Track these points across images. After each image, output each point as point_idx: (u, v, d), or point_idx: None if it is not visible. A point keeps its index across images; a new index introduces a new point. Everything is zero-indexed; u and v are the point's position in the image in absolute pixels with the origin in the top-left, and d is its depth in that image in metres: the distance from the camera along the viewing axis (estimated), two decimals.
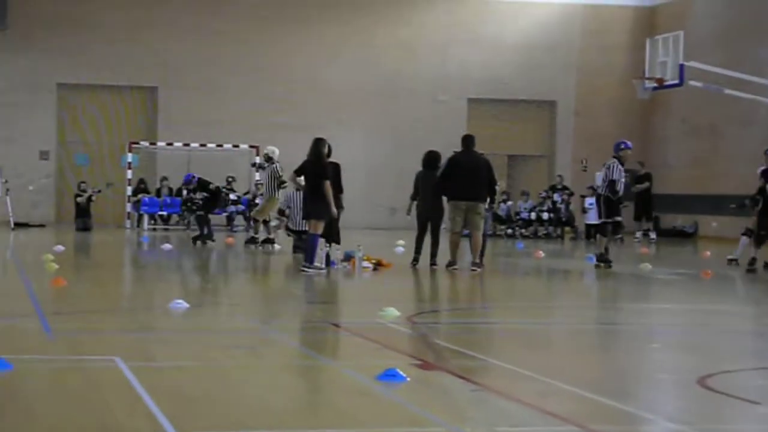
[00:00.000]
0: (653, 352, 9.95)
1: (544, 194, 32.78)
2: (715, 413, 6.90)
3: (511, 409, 6.78)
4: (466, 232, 17.91)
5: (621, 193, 18.76)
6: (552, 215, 32.28)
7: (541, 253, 22.67)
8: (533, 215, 32.27)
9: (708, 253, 23.21)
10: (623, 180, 18.73)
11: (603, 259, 18.71)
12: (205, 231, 23.12)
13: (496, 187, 18.68)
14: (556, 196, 32.49)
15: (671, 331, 11.37)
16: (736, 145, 30.49)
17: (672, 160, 33.72)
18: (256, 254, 21.12)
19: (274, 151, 21.99)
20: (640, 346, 10.31)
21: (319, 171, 16.31)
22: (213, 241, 23.11)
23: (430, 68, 34.80)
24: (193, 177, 24.34)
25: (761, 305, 14.24)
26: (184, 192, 25.53)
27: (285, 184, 21.02)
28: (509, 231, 31.87)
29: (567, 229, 32.34)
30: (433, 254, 17.84)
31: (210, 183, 24.16)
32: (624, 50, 34.90)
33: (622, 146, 18.80)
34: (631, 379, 8.23)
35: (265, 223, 22.09)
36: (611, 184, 18.49)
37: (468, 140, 18.17)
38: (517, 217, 32.37)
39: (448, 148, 19.04)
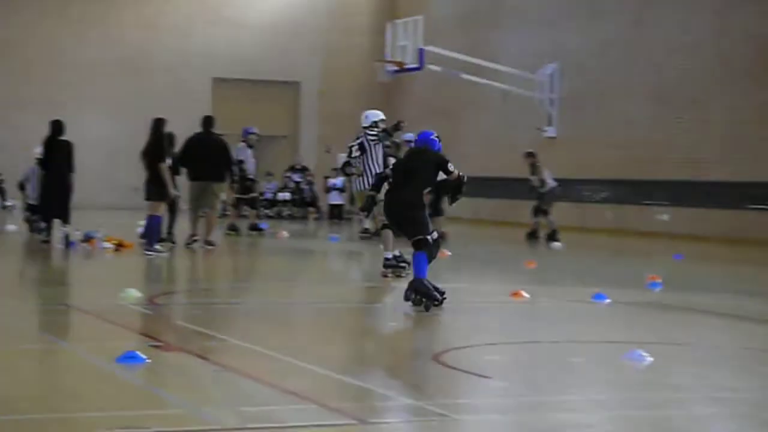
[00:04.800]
0: (392, 329, 10.19)
1: (287, 175, 33.02)
2: (449, 388, 7.13)
3: (252, 388, 6.81)
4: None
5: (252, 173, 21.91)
6: (296, 196, 32.52)
7: (285, 233, 22.83)
8: (286, 196, 32.49)
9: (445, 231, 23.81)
10: (253, 160, 21.91)
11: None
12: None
13: (235, 168, 19.73)
14: (295, 177, 32.78)
15: (409, 309, 11.67)
16: (471, 129, 31.44)
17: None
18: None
19: None
20: (380, 324, 10.55)
21: (158, 152, 16.44)
22: None
23: (174, 47, 34.36)
24: None
25: (491, 282, 14.75)
26: None
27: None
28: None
29: (311, 209, 32.64)
30: (170, 232, 18.16)
31: None
32: (367, 33, 35.43)
33: (250, 132, 21.91)
34: (370, 357, 8.42)
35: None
36: (239, 163, 20.79)
37: (206, 121, 18.62)
38: (261, 197, 32.41)
39: (193, 128, 18.92)
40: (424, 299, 10.68)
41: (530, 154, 22.89)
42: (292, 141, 36.30)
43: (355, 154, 14.79)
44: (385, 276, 13.98)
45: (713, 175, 24.26)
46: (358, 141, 14.92)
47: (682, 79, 25.21)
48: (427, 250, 10.94)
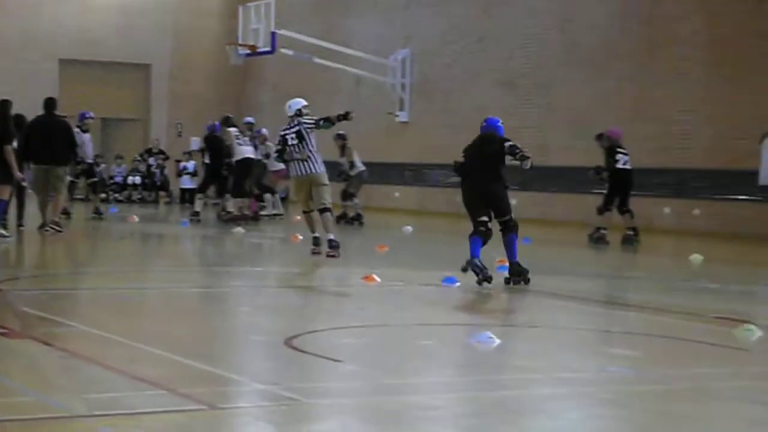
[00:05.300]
0: (243, 314, 10.18)
1: (139, 158, 32.56)
2: (301, 372, 7.15)
3: (100, 375, 6.72)
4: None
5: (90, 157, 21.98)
6: (147, 180, 32.11)
7: (135, 218, 22.54)
8: (137, 179, 32.04)
9: (298, 217, 23.82)
10: (90, 144, 21.85)
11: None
12: None
13: (79, 150, 19.65)
14: (151, 160, 32.37)
15: (261, 293, 11.68)
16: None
17: (265, 126, 34.34)
18: None
19: None
20: (231, 309, 10.53)
21: (3, 135, 15.87)
22: None
23: (20, 26, 33.47)
24: None
25: (343, 266, 14.83)
26: None
27: None
28: (102, 195, 31.42)
29: (162, 193, 32.28)
30: (20, 216, 17.86)
31: None
32: (218, 15, 35.15)
33: (87, 116, 21.99)
34: (220, 342, 8.39)
35: None
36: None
37: (48, 103, 18.23)
38: (111, 181, 31.93)
39: (39, 110, 18.53)
40: (522, 278, 12.02)
41: (341, 136, 23.04)
42: (143, 124, 35.79)
43: (293, 142, 15.13)
44: (335, 257, 14.73)
45: (559, 160, 24.81)
46: (294, 129, 15.21)
47: (530, 65, 25.69)
48: (516, 230, 12.19)
